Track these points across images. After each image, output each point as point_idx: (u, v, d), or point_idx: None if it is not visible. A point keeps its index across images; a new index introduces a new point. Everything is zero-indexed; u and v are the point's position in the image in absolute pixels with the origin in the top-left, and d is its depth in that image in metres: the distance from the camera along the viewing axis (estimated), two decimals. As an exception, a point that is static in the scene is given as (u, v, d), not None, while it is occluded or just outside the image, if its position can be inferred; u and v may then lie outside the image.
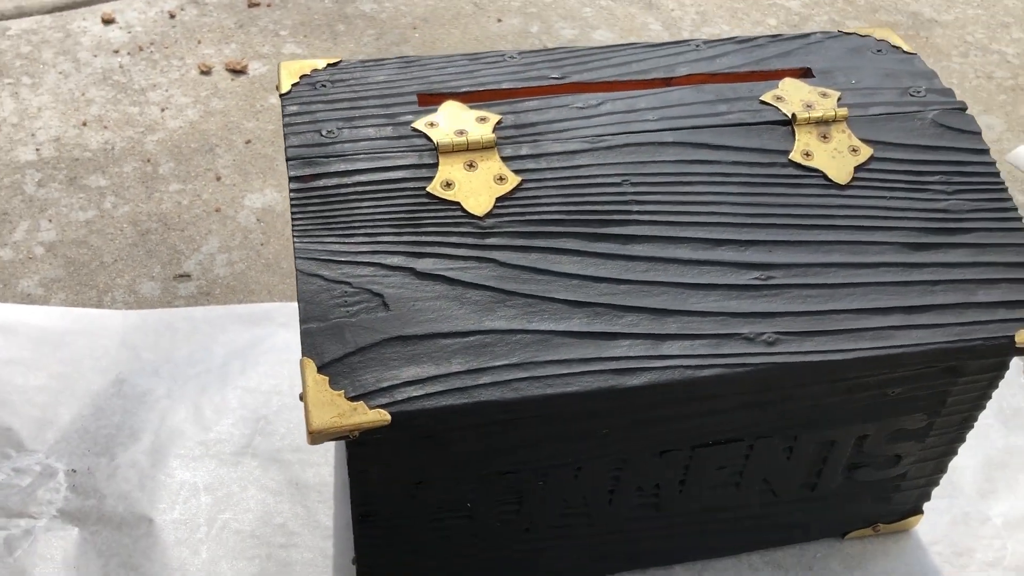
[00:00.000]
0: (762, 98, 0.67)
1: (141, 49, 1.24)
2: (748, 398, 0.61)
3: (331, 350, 0.54)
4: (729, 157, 0.64)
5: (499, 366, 0.55)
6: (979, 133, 0.67)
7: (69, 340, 0.86)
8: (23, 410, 0.80)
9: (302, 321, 0.55)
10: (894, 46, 0.74)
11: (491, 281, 0.58)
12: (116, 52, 1.23)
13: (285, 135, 0.62)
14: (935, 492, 0.79)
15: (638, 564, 0.73)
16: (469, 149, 0.62)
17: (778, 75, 0.70)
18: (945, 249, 0.62)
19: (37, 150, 1.08)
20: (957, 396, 0.65)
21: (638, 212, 0.61)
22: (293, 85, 0.66)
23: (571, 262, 0.59)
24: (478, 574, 0.68)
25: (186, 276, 0.94)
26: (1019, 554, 0.75)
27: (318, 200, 0.59)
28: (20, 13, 1.29)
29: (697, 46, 0.73)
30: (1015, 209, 0.64)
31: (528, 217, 0.60)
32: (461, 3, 1.37)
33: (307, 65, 0.68)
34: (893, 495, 0.72)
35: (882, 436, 0.67)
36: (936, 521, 0.77)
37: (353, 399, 0.53)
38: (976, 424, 0.85)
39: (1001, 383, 0.88)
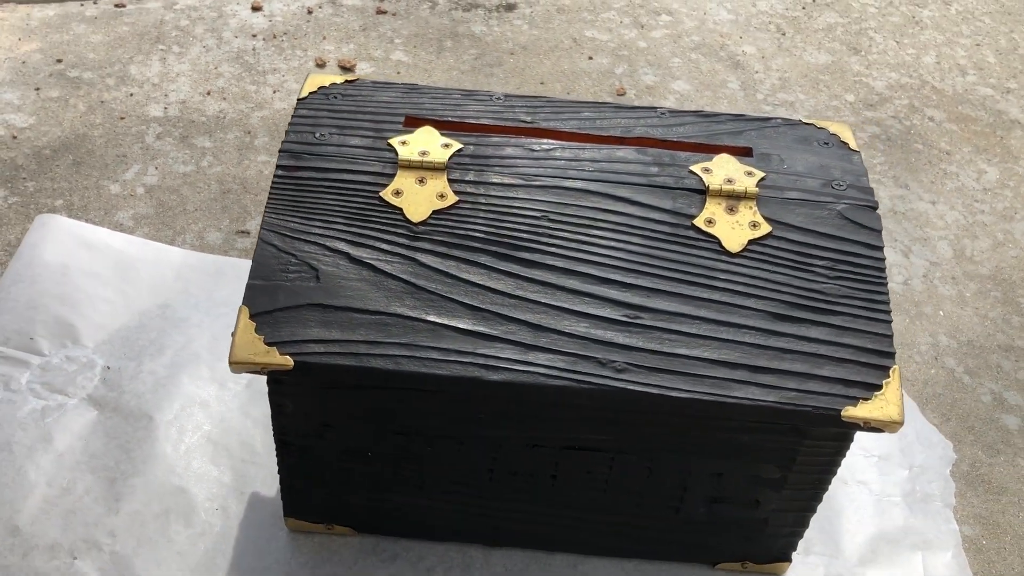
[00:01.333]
0: (692, 167, 0.77)
1: (275, 37, 1.44)
2: (606, 414, 0.71)
3: (264, 303, 0.69)
4: (640, 212, 0.75)
5: (391, 343, 0.68)
6: (879, 231, 0.75)
7: (138, 265, 1.05)
8: (87, 313, 0.99)
9: (250, 277, 0.70)
10: (842, 141, 0.82)
11: (408, 276, 0.71)
12: (254, 36, 1.44)
13: (287, 132, 0.78)
14: (816, 548, 0.86)
15: (521, 543, 0.84)
16: (423, 167, 0.75)
17: (719, 150, 0.80)
18: (808, 325, 0.71)
19: (165, 108, 1.29)
20: (806, 456, 0.73)
21: (546, 243, 0.73)
22: (311, 93, 0.82)
23: (478, 273, 0.72)
24: (377, 516, 0.82)
25: (246, 233, 1.12)
26: (874, 620, 0.82)
27: (293, 187, 0.75)
28: (189, -9, 1.52)
29: (661, 114, 0.83)
30: (887, 303, 0.72)
31: (455, 231, 0.73)
32: (561, 37, 1.50)
33: (328, 79, 0.83)
34: (757, 537, 0.81)
35: (738, 477, 0.75)
36: (808, 573, 0.85)
37: (269, 344, 0.68)
38: (882, 501, 0.92)
39: (923, 469, 0.94)
